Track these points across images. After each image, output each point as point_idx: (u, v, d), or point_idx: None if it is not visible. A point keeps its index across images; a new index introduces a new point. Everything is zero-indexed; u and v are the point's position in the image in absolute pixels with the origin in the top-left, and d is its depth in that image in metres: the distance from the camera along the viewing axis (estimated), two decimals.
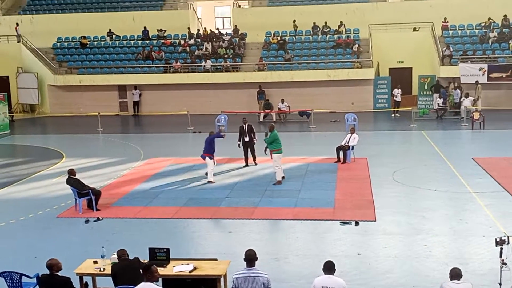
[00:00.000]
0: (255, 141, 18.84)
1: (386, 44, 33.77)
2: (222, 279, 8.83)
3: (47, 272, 8.33)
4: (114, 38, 37.10)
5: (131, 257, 8.81)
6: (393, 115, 30.10)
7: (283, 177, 16.55)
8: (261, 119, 29.74)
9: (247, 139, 18.63)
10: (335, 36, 34.96)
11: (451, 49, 32.24)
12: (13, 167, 20.26)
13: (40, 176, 18.54)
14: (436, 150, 20.58)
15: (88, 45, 36.71)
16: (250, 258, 7.66)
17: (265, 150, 17.13)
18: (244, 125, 18.84)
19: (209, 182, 16.60)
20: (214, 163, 17.06)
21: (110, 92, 34.74)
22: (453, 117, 28.64)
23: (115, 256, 9.08)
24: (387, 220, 12.87)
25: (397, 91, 30.72)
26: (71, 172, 14.31)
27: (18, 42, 35.84)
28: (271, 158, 16.85)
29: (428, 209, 13.54)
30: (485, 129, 24.83)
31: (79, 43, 36.79)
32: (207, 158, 16.80)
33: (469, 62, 31.21)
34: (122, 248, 8.89)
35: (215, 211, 13.96)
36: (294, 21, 35.59)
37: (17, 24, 36.32)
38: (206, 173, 17.06)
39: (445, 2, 35.04)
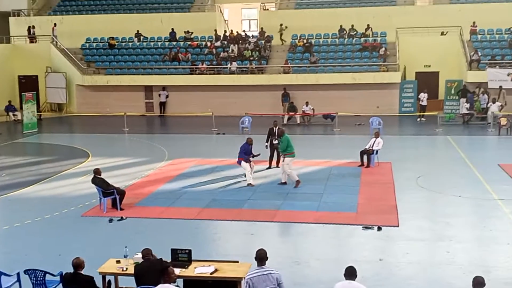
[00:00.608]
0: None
1: (413, 48, 33.47)
2: (243, 282, 8.87)
3: (71, 270, 8.46)
4: (141, 39, 37.45)
5: (156, 257, 8.88)
6: (418, 119, 29.83)
7: (297, 181, 16.41)
8: (285, 122, 29.72)
9: (275, 142, 18.60)
10: (362, 39, 34.77)
11: (479, 54, 31.81)
12: (40, 165, 20.59)
13: (66, 174, 18.82)
14: (461, 156, 20.35)
15: (116, 46, 37.14)
16: (261, 257, 7.87)
17: (283, 158, 16.89)
18: (274, 128, 18.85)
19: (248, 185, 16.54)
20: (251, 167, 16.93)
21: (136, 93, 35.06)
22: (479, 122, 28.27)
23: (138, 255, 9.18)
24: (410, 225, 12.78)
25: (423, 95, 30.42)
26: (97, 172, 14.51)
27: (52, 42, 36.44)
28: (283, 161, 16.82)
29: (452, 215, 13.41)
30: None
31: (107, 44, 37.24)
32: (242, 162, 16.79)
33: (497, 67, 30.78)
34: (147, 247, 8.94)
35: (237, 213, 14.01)
36: (281, 25, 35.57)
37: (55, 25, 36.91)
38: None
39: (474, 6, 34.61)
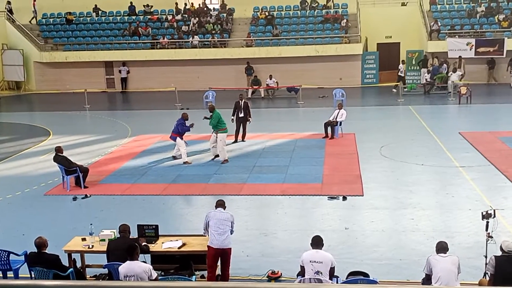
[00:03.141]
0: (250, 119, 18.79)
1: (374, 19, 33.64)
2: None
3: (35, 249, 8.33)
4: (100, 14, 36.64)
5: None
6: (394, 89, 29.22)
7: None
8: (250, 95, 29.63)
9: (241, 114, 18.53)
10: (323, 11, 34.75)
11: (439, 24, 32.19)
12: (0, 145, 20.10)
13: (26, 153, 18.42)
14: (423, 125, 20.67)
15: (73, 21, 36.25)
16: (220, 203, 8.96)
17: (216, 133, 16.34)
18: (240, 101, 18.75)
19: (185, 163, 16.02)
20: (185, 143, 16.48)
21: (96, 69, 34.43)
22: (440, 92, 28.69)
23: (104, 232, 9.09)
24: (374, 194, 12.97)
25: (401, 66, 30.20)
26: (58, 150, 14.23)
27: (33, 18, 35.55)
28: (216, 138, 16.35)
29: (415, 184, 13.65)
30: (472, 103, 24.95)
31: (64, 19, 36.31)
32: (177, 138, 16.26)
33: (456, 36, 31.22)
34: (125, 223, 8.82)
35: (204, 188, 13.97)
36: None
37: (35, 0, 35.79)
38: (174, 156, 16.57)
39: None
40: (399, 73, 30.19)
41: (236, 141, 18.70)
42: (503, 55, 30.29)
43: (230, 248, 8.69)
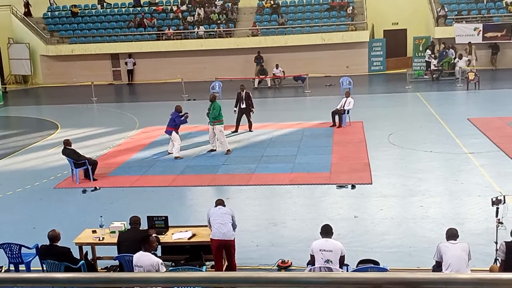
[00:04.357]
0: (253, 110, 18.75)
1: (380, 5, 33.43)
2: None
3: (46, 242, 8.38)
4: (105, 6, 36.61)
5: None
6: (427, 76, 28.66)
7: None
8: (256, 85, 29.57)
9: (243, 105, 18.53)
10: None
11: (446, 9, 31.93)
12: (8, 139, 20.20)
13: (35, 147, 18.50)
14: (431, 112, 20.58)
15: (79, 14, 36.24)
16: (219, 202, 9.02)
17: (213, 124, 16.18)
18: (241, 92, 18.72)
19: (176, 158, 15.75)
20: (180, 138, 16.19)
21: (103, 61, 34.46)
22: (448, 78, 28.51)
23: (114, 224, 9.13)
24: (383, 182, 12.94)
25: (429, 52, 29.75)
26: (67, 143, 14.28)
27: (71, 10, 35.71)
28: (213, 129, 16.16)
29: (424, 171, 13.61)
30: (480, 89, 24.79)
31: (70, 12, 36.31)
32: (173, 133, 15.94)
33: (464, 22, 30.98)
34: (136, 215, 8.86)
35: (212, 178, 13.99)
36: None
37: None
38: (169, 152, 16.28)
39: None
40: (427, 59, 29.60)
41: (236, 131, 18.60)
42: (511, 40, 30.04)
43: (233, 240, 8.70)
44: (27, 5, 36.21)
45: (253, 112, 18.83)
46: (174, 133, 15.99)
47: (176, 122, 16.06)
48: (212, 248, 8.65)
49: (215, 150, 16.35)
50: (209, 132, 16.53)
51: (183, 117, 16.16)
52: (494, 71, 30.28)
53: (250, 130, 18.69)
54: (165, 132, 16.46)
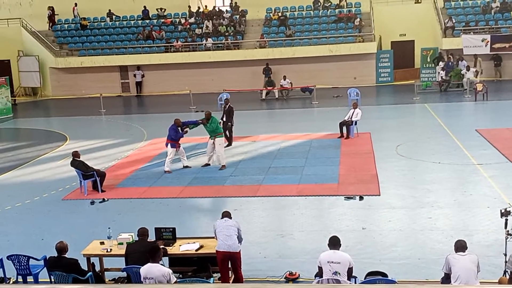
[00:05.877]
0: (229, 124, 18.32)
1: (388, 17, 33.49)
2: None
3: (54, 254, 8.40)
4: (114, 19, 36.89)
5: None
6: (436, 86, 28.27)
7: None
8: (264, 97, 29.62)
9: (224, 119, 18.22)
10: (336, 10, 34.67)
11: (454, 21, 31.93)
12: (17, 151, 20.30)
13: (44, 159, 18.59)
14: (439, 123, 20.53)
15: (88, 27, 36.54)
16: (225, 214, 9.02)
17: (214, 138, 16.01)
18: (225, 106, 18.60)
19: (165, 172, 15.62)
20: (176, 151, 15.94)
21: (111, 73, 34.66)
22: (456, 89, 28.44)
23: (122, 236, 9.14)
24: (391, 194, 12.90)
25: (442, 64, 29.34)
26: (75, 154, 14.34)
27: (80, 23, 36.07)
28: (213, 143, 16.01)
29: (432, 182, 13.55)
30: (488, 100, 24.72)
31: (79, 24, 36.61)
32: (168, 145, 15.85)
33: (471, 33, 30.96)
34: (143, 227, 8.84)
35: (220, 190, 14.00)
36: None
37: (76, 4, 36.40)
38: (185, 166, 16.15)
39: None
40: (440, 71, 29.17)
41: (229, 144, 18.36)
42: None
43: (238, 252, 8.69)
44: (51, 17, 36.51)
45: (230, 125, 18.35)
46: (169, 146, 15.88)
47: (172, 136, 15.91)
48: (217, 260, 8.65)
49: (210, 164, 16.17)
50: (208, 146, 16.36)
51: (180, 132, 16.04)
52: (498, 82, 30.15)
53: (229, 144, 18.24)
54: (165, 145, 16.29)
